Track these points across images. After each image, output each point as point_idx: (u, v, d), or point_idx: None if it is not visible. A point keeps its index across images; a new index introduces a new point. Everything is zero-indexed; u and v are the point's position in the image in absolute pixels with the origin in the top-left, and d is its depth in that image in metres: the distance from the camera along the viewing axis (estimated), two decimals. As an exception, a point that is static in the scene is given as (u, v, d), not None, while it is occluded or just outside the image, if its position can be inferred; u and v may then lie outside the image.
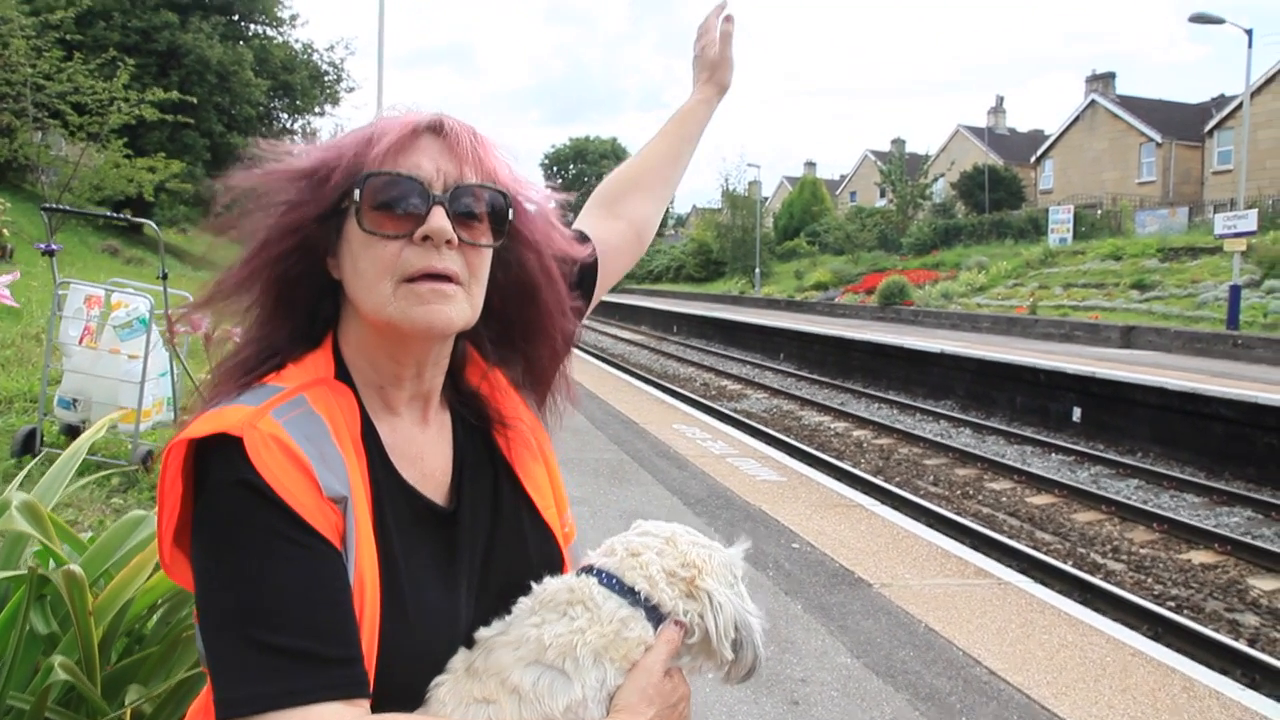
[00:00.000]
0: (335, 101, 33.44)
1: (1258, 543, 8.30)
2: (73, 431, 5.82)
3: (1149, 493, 10.42)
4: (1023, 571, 6.89)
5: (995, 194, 41.56)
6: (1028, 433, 13.73)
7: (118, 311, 5.83)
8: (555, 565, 1.09)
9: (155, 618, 2.12)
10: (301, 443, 0.91)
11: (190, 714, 1.04)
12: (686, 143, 1.58)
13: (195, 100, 23.08)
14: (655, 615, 0.96)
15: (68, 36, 18.68)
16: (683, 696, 0.99)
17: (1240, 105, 24.29)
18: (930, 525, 7.67)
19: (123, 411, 5.40)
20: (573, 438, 8.87)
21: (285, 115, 33.30)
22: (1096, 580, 7.20)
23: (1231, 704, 3.78)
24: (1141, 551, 8.31)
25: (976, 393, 16.39)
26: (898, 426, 14.10)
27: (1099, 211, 33.84)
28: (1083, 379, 13.97)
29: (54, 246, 5.80)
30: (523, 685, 0.91)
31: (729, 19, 1.60)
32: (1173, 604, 7.04)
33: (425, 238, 0.96)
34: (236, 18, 29.72)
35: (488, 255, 1.03)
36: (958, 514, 9.19)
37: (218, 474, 0.90)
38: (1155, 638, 5.89)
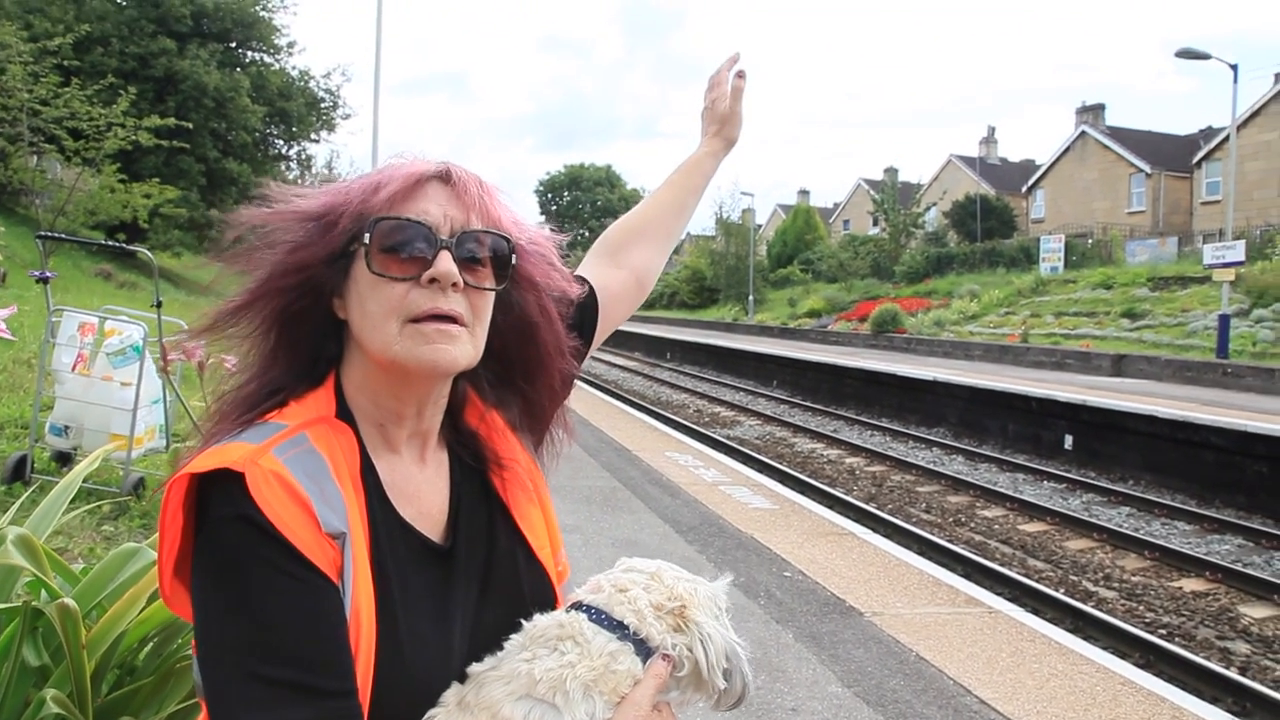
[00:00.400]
0: (331, 128, 33.62)
1: (1249, 570, 8.33)
2: (64, 459, 5.81)
3: (1140, 520, 10.44)
4: (1015, 599, 6.91)
5: (987, 223, 41.88)
6: (1020, 460, 13.77)
7: (111, 339, 5.84)
8: (549, 603, 1.11)
9: (147, 650, 2.12)
10: (302, 480, 0.93)
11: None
12: (691, 194, 1.61)
13: (191, 126, 23.19)
14: (644, 649, 0.98)
15: (65, 62, 18.81)
16: None
17: (1227, 138, 24.58)
18: (922, 553, 7.68)
19: (117, 442, 5.40)
20: (565, 465, 8.79)
21: (281, 141, 33.47)
22: (1088, 608, 7.21)
23: (1222, 734, 3.79)
24: (1133, 579, 8.33)
25: (969, 420, 16.44)
26: (890, 454, 14.13)
27: (1090, 241, 34.16)
28: (1074, 407, 14.03)
29: (48, 274, 5.81)
30: (514, 718, 0.93)
31: (741, 74, 1.62)
32: (1164, 632, 7.05)
33: (432, 280, 1.00)
34: (234, 45, 29.93)
35: (491, 298, 1.06)
36: (950, 541, 9.20)
37: (219, 509, 0.92)
38: (1147, 665, 5.91)
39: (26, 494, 3.09)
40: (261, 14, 29.92)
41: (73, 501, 2.51)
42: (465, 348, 1.02)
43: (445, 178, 1.05)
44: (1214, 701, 5.24)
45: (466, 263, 1.02)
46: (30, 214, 21.64)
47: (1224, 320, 18.82)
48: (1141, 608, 7.65)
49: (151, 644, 2.12)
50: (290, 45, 31.82)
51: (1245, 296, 21.21)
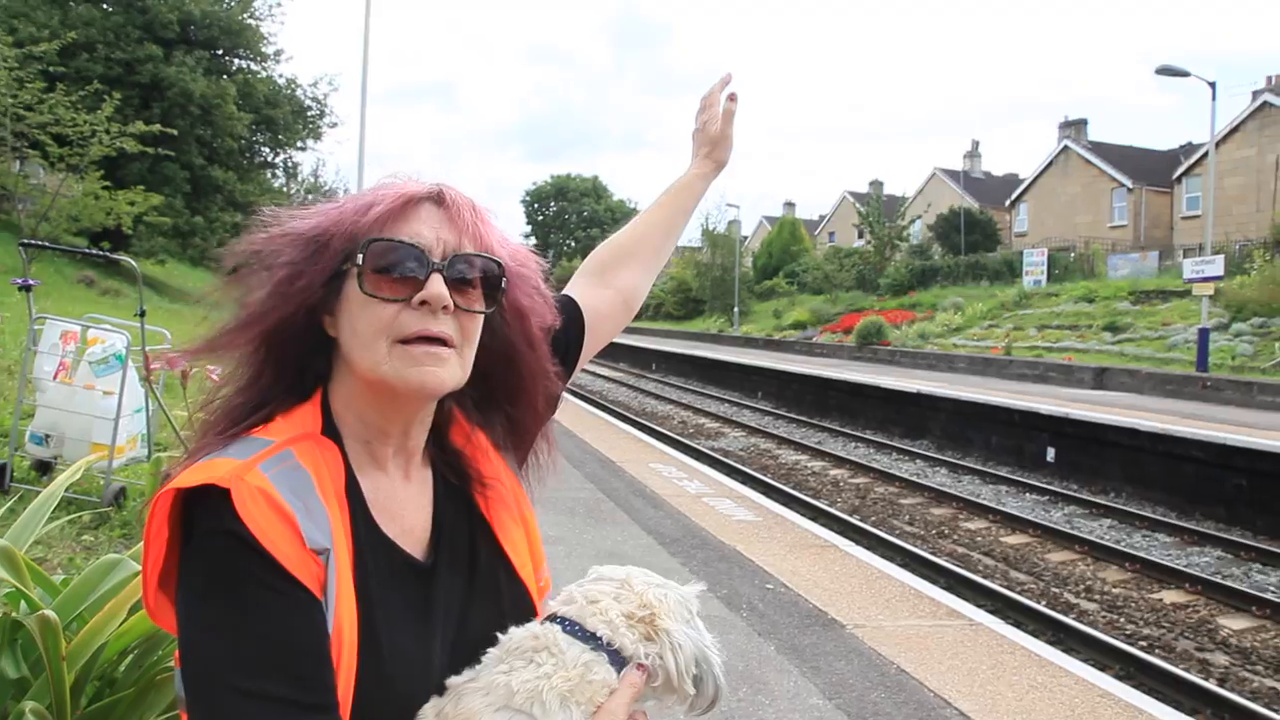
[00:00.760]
0: (318, 136, 33.62)
1: (1228, 582, 8.41)
2: (44, 467, 5.77)
3: (1121, 532, 10.52)
4: (997, 611, 6.94)
5: (971, 236, 42.15)
6: (1003, 472, 13.85)
7: (94, 347, 5.81)
8: (529, 620, 1.12)
9: (128, 662, 2.11)
10: (287, 496, 0.94)
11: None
12: (680, 215, 1.62)
13: (176, 133, 23.11)
14: (618, 659, 1.00)
15: (50, 68, 18.72)
16: None
17: (1207, 154, 24.87)
18: (905, 565, 7.71)
19: (99, 452, 5.36)
20: (548, 476, 8.84)
21: (267, 149, 33.42)
22: (1070, 620, 7.26)
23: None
24: (1114, 591, 8.39)
25: (952, 432, 16.53)
26: (874, 465, 14.18)
27: (1072, 254, 34.42)
28: (1057, 419, 14.14)
29: (31, 281, 5.78)
30: None
31: (733, 97, 1.63)
32: (1145, 643, 7.10)
33: (423, 302, 1.01)
34: (221, 52, 29.86)
35: (480, 320, 1.08)
36: (933, 554, 9.24)
37: (205, 523, 0.92)
38: (1127, 677, 5.95)
39: (7, 504, 3.08)
40: (249, 22, 29.88)
41: (53, 511, 2.50)
42: (453, 370, 1.04)
43: (439, 200, 1.06)
44: (1193, 713, 5.29)
45: (457, 285, 1.04)
46: (12, 220, 21.48)
47: (1204, 334, 19.02)
48: (1122, 620, 7.71)
49: (132, 656, 2.11)
50: (277, 53, 31.85)
51: (1225, 311, 21.44)
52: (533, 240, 76.84)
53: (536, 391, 1.19)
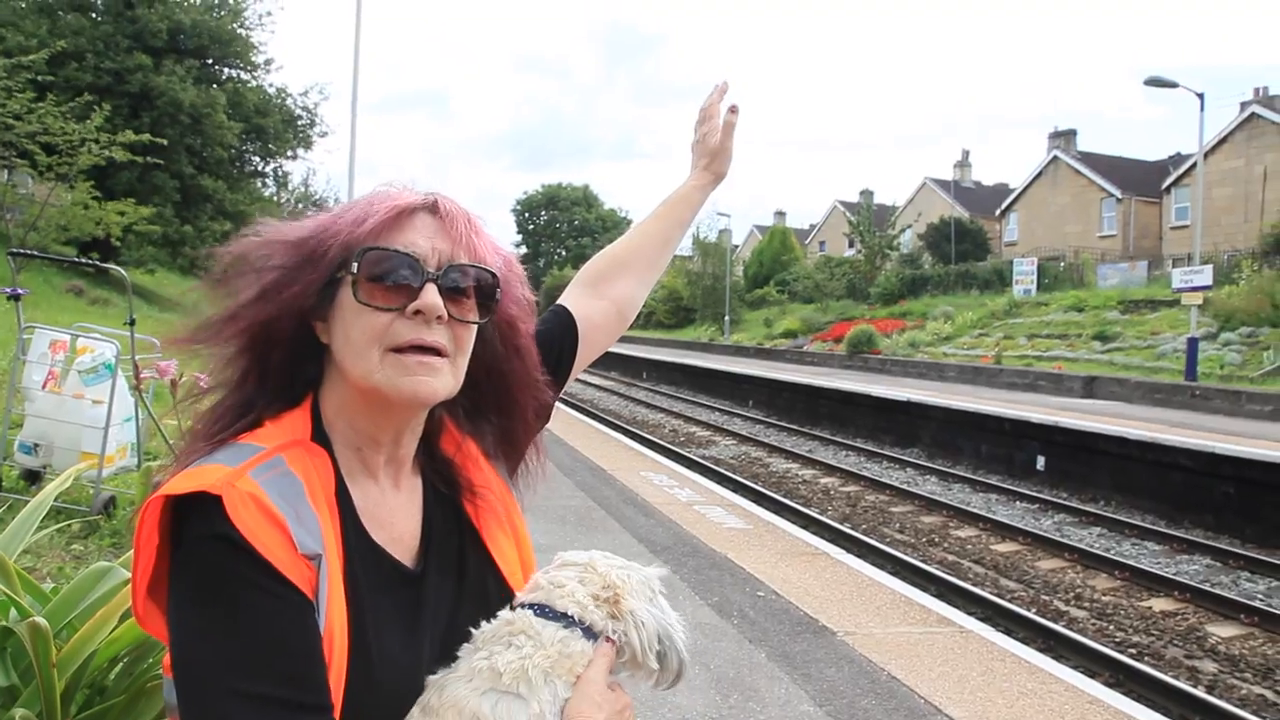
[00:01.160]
0: (308, 145, 33.58)
1: (1216, 590, 8.44)
2: (33, 477, 5.75)
3: (1111, 540, 10.56)
4: (987, 619, 6.97)
5: (961, 245, 42.34)
6: (993, 481, 13.89)
7: (83, 356, 5.79)
8: None
9: (118, 669, 2.11)
10: (278, 502, 0.95)
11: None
12: (677, 227, 1.62)
13: (166, 142, 23.05)
14: (590, 634, 1.04)
15: (39, 77, 18.65)
16: (626, 705, 1.05)
17: (1195, 164, 25.07)
18: (896, 572, 7.73)
19: (88, 461, 5.35)
20: (539, 484, 8.84)
21: (258, 158, 33.38)
22: (1059, 627, 7.28)
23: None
24: (1103, 599, 8.42)
25: (943, 441, 16.58)
26: (865, 474, 14.21)
27: (1062, 264, 34.62)
28: (1047, 428, 14.19)
29: (20, 290, 5.77)
30: (482, 712, 0.96)
31: (734, 109, 1.62)
32: (1134, 651, 7.12)
33: (417, 312, 1.02)
34: (211, 61, 29.85)
35: (473, 330, 1.09)
36: (923, 561, 9.26)
37: (196, 529, 0.93)
38: (1117, 684, 5.96)
39: (-3, 512, 3.07)
40: (239, 31, 29.86)
41: (42, 520, 2.49)
42: (446, 379, 1.05)
43: (433, 210, 1.07)
44: (1181, 720, 5.31)
45: (451, 295, 1.05)
46: (1, 229, 21.40)
47: (1192, 343, 19.13)
48: (1111, 627, 7.74)
49: (122, 663, 2.11)
50: (268, 62, 31.83)
51: (1213, 320, 21.57)
52: (523, 249, 76.84)
53: (527, 402, 1.20)
